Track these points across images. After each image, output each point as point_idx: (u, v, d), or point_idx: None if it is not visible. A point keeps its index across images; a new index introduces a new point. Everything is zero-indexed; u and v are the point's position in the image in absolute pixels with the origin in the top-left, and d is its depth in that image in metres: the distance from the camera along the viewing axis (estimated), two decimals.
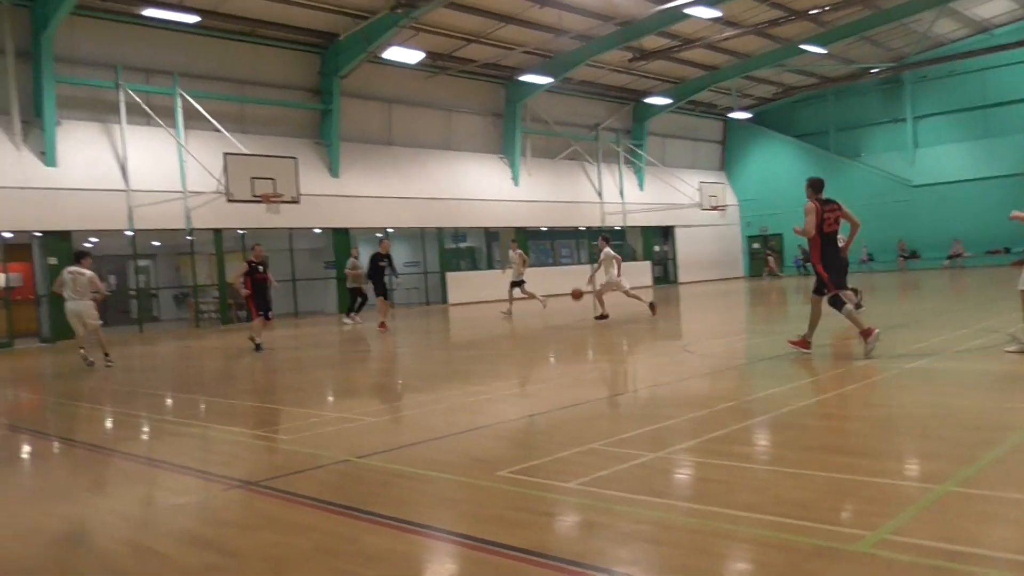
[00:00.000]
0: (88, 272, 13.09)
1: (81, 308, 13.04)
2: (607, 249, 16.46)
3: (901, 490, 4.11)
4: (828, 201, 9.06)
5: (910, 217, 37.03)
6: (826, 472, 4.45)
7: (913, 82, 37.37)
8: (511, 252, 21.30)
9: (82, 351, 13.31)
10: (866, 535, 3.41)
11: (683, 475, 4.74)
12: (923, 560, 3.10)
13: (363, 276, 19.99)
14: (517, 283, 20.71)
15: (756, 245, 42.66)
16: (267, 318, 14.73)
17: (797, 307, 19.36)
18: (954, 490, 3.96)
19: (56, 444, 7.10)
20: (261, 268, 14.67)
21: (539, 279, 32.62)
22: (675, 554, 3.37)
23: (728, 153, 43.46)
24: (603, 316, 16.09)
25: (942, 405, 6.22)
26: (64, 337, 20.92)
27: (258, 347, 14.29)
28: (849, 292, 9.27)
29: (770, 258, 38.54)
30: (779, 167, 41.13)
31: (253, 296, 14.58)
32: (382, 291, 17.99)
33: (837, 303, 8.93)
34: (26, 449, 7.05)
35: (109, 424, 8.16)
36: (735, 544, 3.49)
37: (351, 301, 20.89)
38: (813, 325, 9.22)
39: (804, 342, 9.22)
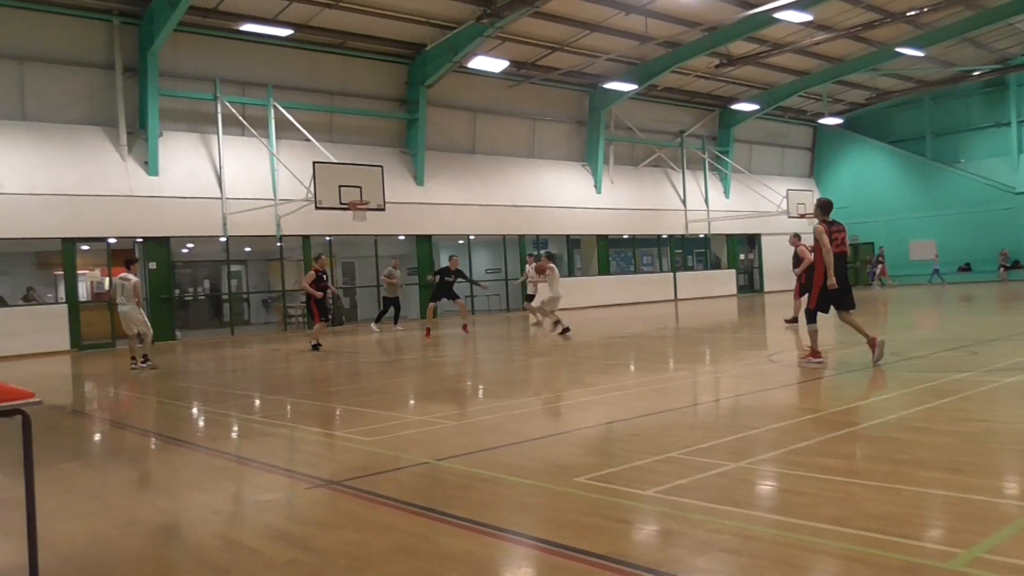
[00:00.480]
0: (133, 278, 13.79)
1: (129, 312, 13.75)
2: (552, 265, 17.39)
3: (997, 508, 3.93)
4: (834, 223, 9.63)
5: (1014, 226, 35.30)
6: (917, 487, 4.29)
7: (1019, 84, 35.64)
8: (528, 267, 21.58)
9: (133, 359, 14.14)
10: (959, 553, 3.28)
11: (765, 486, 4.64)
12: None
13: (398, 285, 21.44)
14: (530, 296, 21.32)
15: (880, 260, 41.36)
16: (327, 321, 16.32)
17: (890, 317, 18.68)
18: None
19: (152, 440, 7.42)
20: (324, 276, 16.21)
21: (619, 287, 32.52)
22: (756, 565, 3.30)
23: (817, 160, 42.28)
24: (565, 329, 16.10)
25: None
26: (161, 339, 21.87)
27: (316, 347, 15.74)
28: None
29: (880, 265, 36.94)
30: (872, 174, 39.80)
31: (317, 302, 15.98)
32: (453, 295, 18.90)
33: (813, 318, 9.70)
34: (124, 444, 7.40)
35: (201, 423, 8.49)
36: (819, 557, 3.39)
37: (383, 309, 22.06)
38: (861, 330, 9.58)
39: (872, 342, 9.38)
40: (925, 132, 38.70)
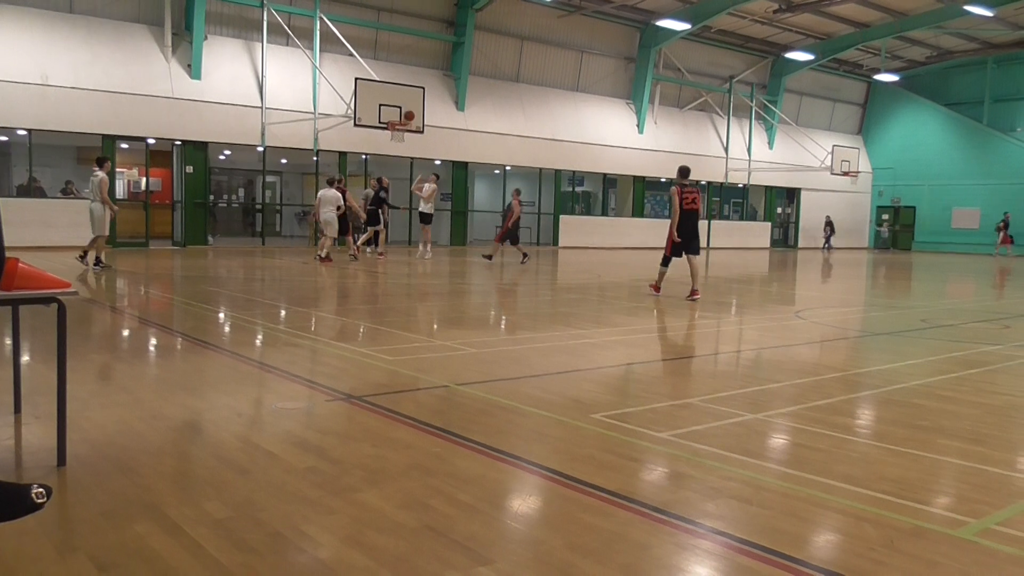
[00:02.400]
0: (101, 174, 14.01)
1: (92, 208, 14.05)
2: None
3: (1014, 482, 3.91)
4: (687, 185, 11.99)
5: None
6: (934, 454, 4.27)
7: None
8: (427, 184, 20.78)
9: (83, 256, 14.46)
10: (970, 522, 3.28)
11: (780, 439, 4.65)
12: None
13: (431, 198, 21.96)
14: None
15: (885, 216, 40.62)
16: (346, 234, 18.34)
17: (925, 284, 18.42)
18: None
19: (180, 340, 7.57)
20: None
21: (653, 231, 32.26)
22: (764, 515, 3.32)
23: (868, 117, 41.19)
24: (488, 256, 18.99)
25: None
26: (194, 243, 22.16)
27: (354, 256, 17.78)
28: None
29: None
30: (923, 136, 38.73)
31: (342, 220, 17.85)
32: (376, 222, 19.97)
33: (666, 262, 12.34)
34: (153, 342, 7.56)
35: (227, 327, 8.63)
36: (828, 513, 3.41)
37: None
38: (694, 276, 12.09)
39: (694, 292, 11.90)
40: (984, 96, 37.42)
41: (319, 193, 18.01)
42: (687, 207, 11.86)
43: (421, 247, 21.04)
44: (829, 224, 36.53)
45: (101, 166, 14.16)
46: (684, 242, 11.93)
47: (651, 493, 3.65)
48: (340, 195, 17.71)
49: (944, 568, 2.83)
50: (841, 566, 2.87)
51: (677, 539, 3.07)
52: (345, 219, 18.01)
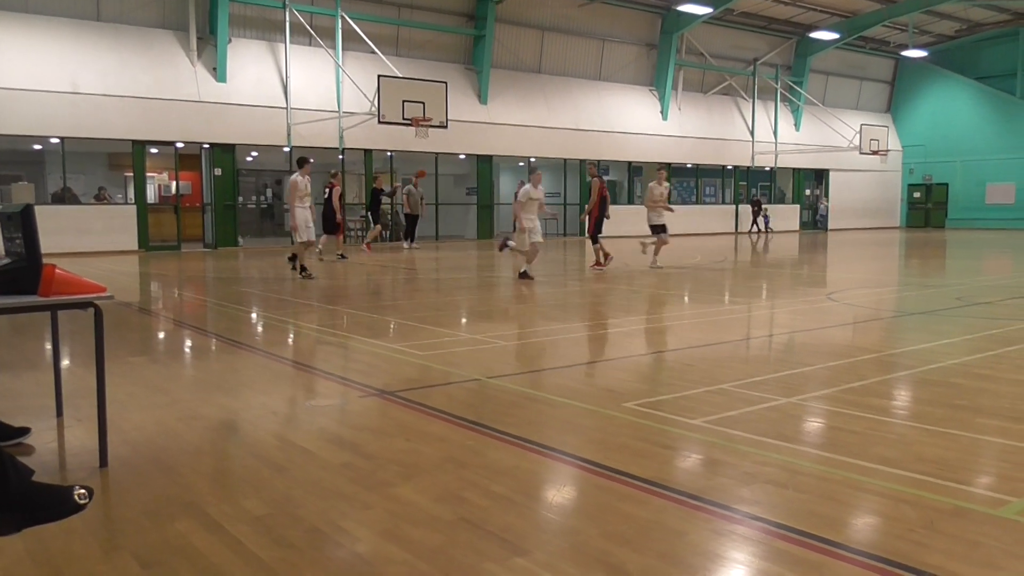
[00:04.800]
0: (293, 176, 13.75)
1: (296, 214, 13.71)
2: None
3: None
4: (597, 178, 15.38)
5: None
6: (973, 433, 4.21)
7: None
8: (411, 187, 21.94)
9: None
10: (1012, 501, 3.23)
11: (815, 422, 4.61)
12: None
13: (419, 203, 22.30)
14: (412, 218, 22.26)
15: (917, 194, 39.99)
16: (334, 232, 17.39)
17: (962, 261, 18.12)
18: None
19: (214, 341, 7.67)
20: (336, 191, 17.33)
21: (680, 218, 31.99)
22: (800, 499, 3.30)
23: (896, 94, 40.50)
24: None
25: None
26: (226, 243, 22.41)
27: (342, 256, 17.07)
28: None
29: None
30: (954, 111, 38.02)
31: (326, 216, 16.95)
32: (378, 219, 20.50)
33: (595, 240, 15.20)
34: (188, 344, 7.66)
35: (261, 327, 8.73)
36: (865, 495, 3.38)
37: (409, 227, 22.72)
38: (657, 249, 15.56)
39: (601, 263, 14.98)
40: (1016, 68, 36.54)
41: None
42: (606, 195, 15.45)
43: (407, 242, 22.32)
44: (756, 203, 33.37)
45: (301, 167, 13.59)
46: (601, 225, 15.25)
47: (686, 480, 3.64)
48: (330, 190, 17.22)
49: (986, 548, 2.80)
50: (881, 548, 2.84)
51: (713, 525, 3.06)
52: (333, 217, 17.17)
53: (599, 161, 27.92)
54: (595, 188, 15.22)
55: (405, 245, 22.17)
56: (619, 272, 14.71)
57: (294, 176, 13.35)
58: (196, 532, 3.02)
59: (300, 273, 13.15)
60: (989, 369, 5.92)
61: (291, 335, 8.05)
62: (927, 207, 39.53)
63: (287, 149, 23.33)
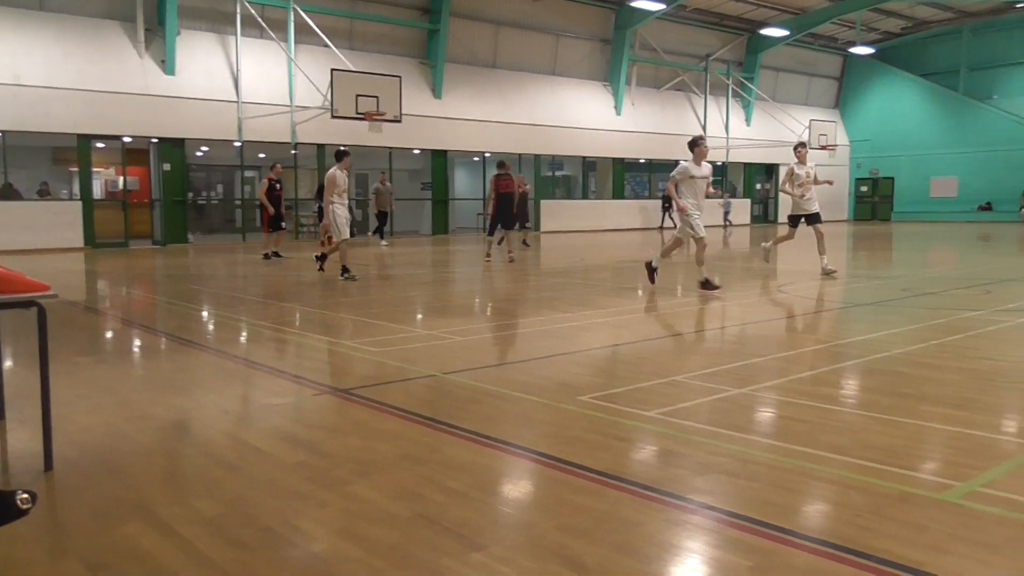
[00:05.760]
0: (331, 171, 12.56)
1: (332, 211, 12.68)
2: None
3: (998, 444, 3.97)
4: (501, 175, 15.29)
5: None
6: (919, 421, 4.32)
7: None
8: (379, 185, 21.78)
9: None
10: (956, 485, 3.32)
11: (766, 412, 4.68)
12: (1014, 515, 3.00)
13: (389, 200, 21.96)
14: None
15: (864, 188, 40.83)
16: (281, 229, 16.62)
17: (906, 253, 18.56)
18: None
19: (164, 340, 7.53)
20: (279, 185, 16.38)
21: (634, 212, 32.31)
22: (753, 488, 3.35)
23: (844, 90, 41.29)
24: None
25: None
26: (175, 240, 22.01)
27: (267, 256, 16.07)
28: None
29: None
30: (900, 107, 38.90)
31: (270, 211, 16.26)
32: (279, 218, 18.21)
33: (493, 232, 15.77)
34: (137, 342, 7.51)
35: (212, 325, 8.59)
36: (816, 483, 3.45)
37: (380, 224, 22.26)
38: (509, 244, 16.14)
39: (489, 255, 15.46)
40: (960, 66, 37.55)
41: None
42: (502, 192, 15.23)
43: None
44: (665, 200, 31.24)
45: (339, 160, 12.41)
46: (502, 218, 15.37)
47: (640, 471, 3.67)
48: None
49: (931, 532, 2.87)
50: (830, 534, 2.90)
51: (667, 515, 3.10)
52: (277, 212, 16.36)
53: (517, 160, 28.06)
54: (491, 186, 15.57)
55: (383, 243, 21.81)
56: (576, 267, 14.77)
57: (332, 171, 12.25)
58: (146, 534, 2.96)
59: (342, 275, 12.04)
60: (933, 358, 6.08)
61: (243, 333, 7.94)
62: (874, 201, 40.44)
63: (238, 144, 22.98)
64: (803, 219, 12.65)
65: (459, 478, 3.53)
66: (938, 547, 2.75)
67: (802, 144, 12.96)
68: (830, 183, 13.19)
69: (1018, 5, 33.50)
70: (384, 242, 21.90)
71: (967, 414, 4.44)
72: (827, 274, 11.98)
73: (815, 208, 12.58)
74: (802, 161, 12.63)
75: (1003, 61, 36.52)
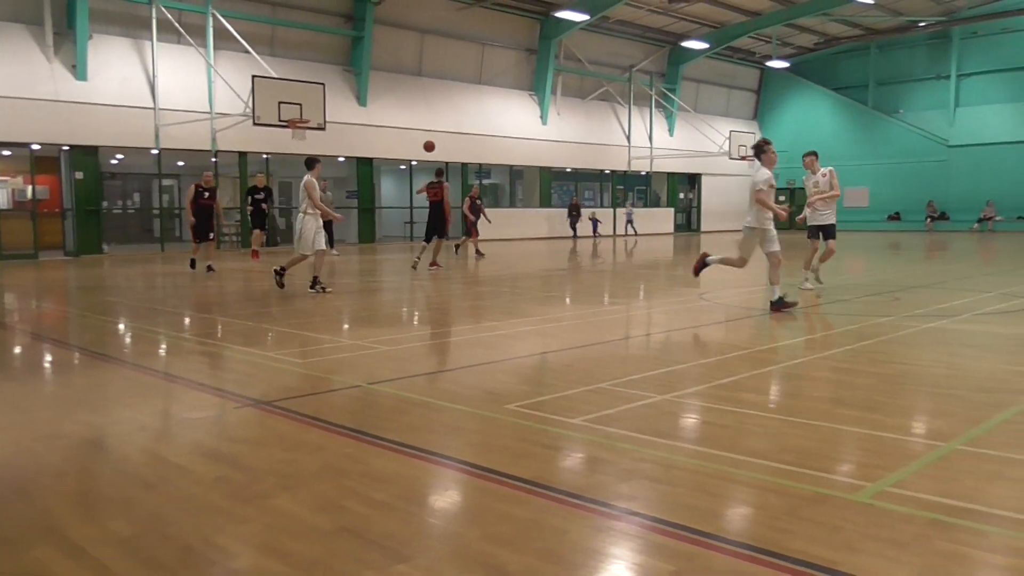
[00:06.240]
0: (306, 177, 11.84)
1: (300, 220, 11.99)
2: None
3: (907, 445, 4.13)
4: (432, 183, 15.80)
5: (944, 178, 36.37)
6: (833, 424, 4.47)
7: (962, 38, 36.21)
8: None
9: None
10: (867, 486, 3.45)
11: (689, 418, 4.78)
12: (921, 513, 3.13)
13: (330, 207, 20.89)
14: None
15: (782, 198, 42.10)
16: (208, 240, 15.78)
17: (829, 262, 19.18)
18: (960, 448, 3.97)
19: (77, 354, 7.25)
20: (207, 194, 15.59)
21: (560, 221, 32.58)
22: (675, 492, 3.42)
23: (762, 103, 42.60)
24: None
25: (956, 365, 6.21)
26: (88, 252, 21.24)
27: (208, 268, 15.30)
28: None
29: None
30: (814, 120, 40.31)
31: (196, 221, 15.54)
32: (260, 225, 18.97)
33: (441, 235, 15.92)
34: (48, 358, 7.22)
35: (128, 338, 8.32)
36: (736, 487, 3.53)
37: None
38: (434, 253, 15.88)
39: (417, 263, 15.71)
40: (868, 81, 39.21)
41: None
42: (431, 200, 15.76)
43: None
44: (574, 208, 31.56)
45: (312, 168, 11.82)
46: (435, 226, 15.80)
47: (566, 479, 3.70)
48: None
49: (844, 532, 2.97)
50: (749, 537, 2.98)
51: (593, 522, 3.13)
52: (208, 222, 15.67)
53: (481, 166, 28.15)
54: (426, 192, 15.94)
55: (335, 252, 20.94)
56: (502, 274, 14.81)
57: (309, 178, 11.63)
58: (56, 558, 2.84)
59: (312, 287, 11.63)
60: (847, 363, 6.30)
61: (162, 345, 7.71)
62: (792, 210, 41.72)
63: (155, 151, 22.34)
64: (820, 231, 11.68)
65: (384, 489, 3.49)
66: (850, 546, 2.85)
67: (811, 153, 11.88)
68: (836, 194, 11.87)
69: (921, 24, 35.15)
70: (335, 251, 21.18)
71: (878, 417, 4.62)
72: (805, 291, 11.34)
73: (831, 220, 11.73)
74: (811, 170, 11.64)
75: (908, 77, 38.24)
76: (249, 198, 19.19)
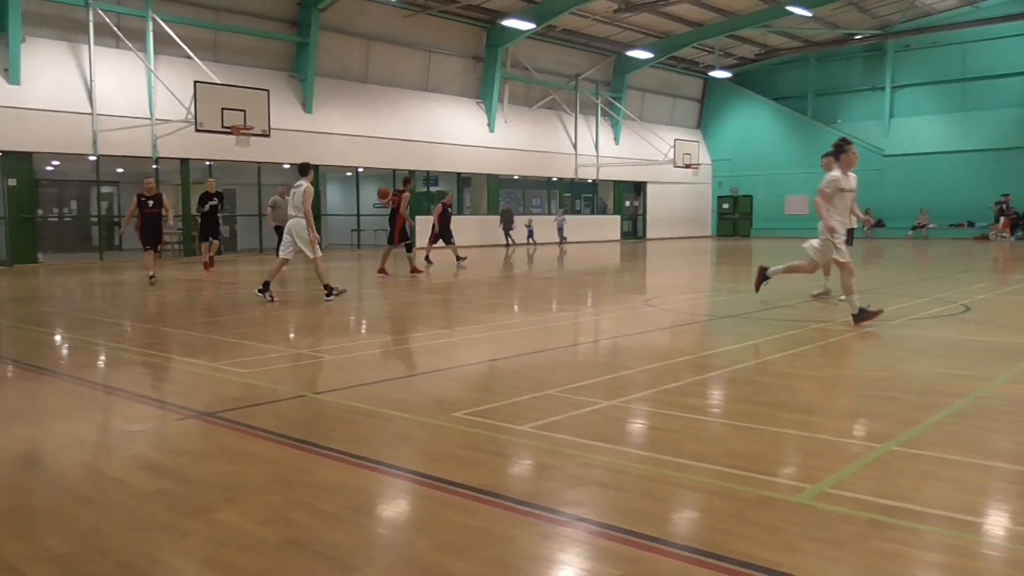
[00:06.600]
0: (303, 184, 11.78)
1: (293, 225, 11.91)
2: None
3: (846, 447, 4.24)
4: (400, 190, 15.90)
5: (880, 186, 37.42)
6: (776, 427, 4.56)
7: (896, 51, 37.38)
8: (277, 197, 20.00)
9: None
10: (808, 488, 3.53)
11: (636, 423, 4.83)
12: (859, 513, 3.21)
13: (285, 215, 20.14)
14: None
15: (726, 205, 42.89)
16: (156, 251, 14.88)
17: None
18: (896, 449, 4.09)
19: (11, 367, 7.03)
20: (151, 203, 14.65)
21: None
22: (622, 497, 3.45)
23: (706, 112, 43.35)
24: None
25: (893, 368, 6.39)
26: (22, 262, 20.61)
27: (152, 279, 14.46)
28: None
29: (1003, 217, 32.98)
30: (756, 129, 41.17)
31: (141, 230, 14.71)
32: (213, 234, 18.22)
33: (391, 242, 16.13)
34: None
35: (66, 350, 8.09)
36: (682, 491, 3.58)
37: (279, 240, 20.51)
38: (383, 259, 16.06)
39: (383, 271, 15.61)
40: (808, 91, 40.21)
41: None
42: (393, 207, 15.90)
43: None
44: (506, 213, 30.98)
45: (307, 175, 11.72)
46: (399, 239, 15.87)
47: (514, 486, 3.71)
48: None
49: (785, 533, 3.04)
50: (694, 540, 3.02)
51: (540, 529, 3.14)
52: (157, 231, 14.94)
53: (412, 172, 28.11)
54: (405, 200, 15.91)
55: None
56: (451, 283, 14.79)
57: (309, 185, 11.59)
58: None
59: (262, 291, 11.46)
60: (788, 367, 6.44)
61: (101, 357, 7.51)
62: (735, 217, 42.50)
63: (93, 158, 21.80)
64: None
65: (331, 500, 3.46)
66: (791, 547, 2.91)
67: (827, 154, 9.95)
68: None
69: (857, 37, 36.20)
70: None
71: (818, 419, 4.73)
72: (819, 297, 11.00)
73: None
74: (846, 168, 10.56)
75: (845, 88, 39.31)
76: (204, 205, 18.12)
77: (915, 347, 7.51)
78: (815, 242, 8.88)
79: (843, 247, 8.52)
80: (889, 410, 5.02)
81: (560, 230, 32.76)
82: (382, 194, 16.93)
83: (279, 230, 20.10)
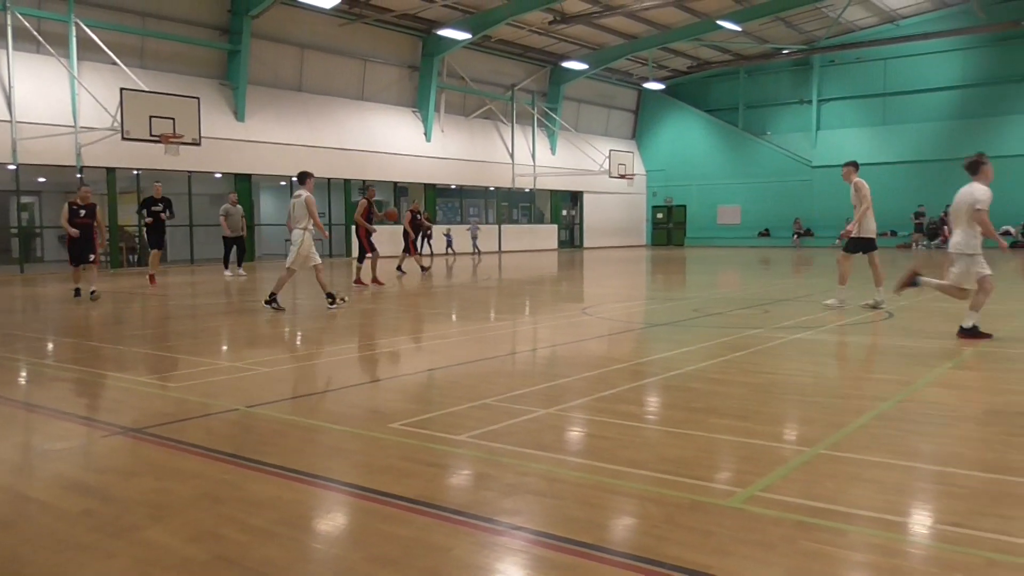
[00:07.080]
0: (305, 193, 11.38)
1: (297, 236, 11.52)
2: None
3: (774, 451, 4.34)
4: (367, 201, 15.91)
5: (809, 196, 38.50)
6: (707, 433, 4.65)
7: (821, 65, 38.56)
8: (228, 205, 19.70)
9: None
10: (738, 491, 3.60)
11: (572, 431, 4.87)
12: (788, 515, 3.29)
13: (240, 223, 19.80)
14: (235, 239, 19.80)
15: (660, 215, 43.58)
16: (89, 262, 13.93)
17: (696, 276, 19.95)
18: (822, 452, 4.21)
19: None
20: (83, 212, 13.83)
21: (443, 237, 32.59)
22: (559, 505, 3.47)
23: (640, 123, 44.03)
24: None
25: (819, 374, 6.57)
26: None
27: (77, 293, 13.82)
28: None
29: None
30: (689, 140, 41.98)
31: (69, 242, 13.95)
32: (157, 243, 17.16)
33: (362, 256, 16.00)
34: None
35: None
36: (617, 497, 3.62)
37: (226, 250, 19.92)
38: (374, 269, 16.09)
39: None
40: (738, 103, 41.21)
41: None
42: (376, 218, 16.21)
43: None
44: (413, 214, 29.07)
45: (305, 183, 11.41)
46: (370, 247, 15.77)
47: (450, 496, 3.70)
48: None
49: (717, 536, 3.09)
50: (628, 546, 3.06)
51: (477, 538, 3.14)
52: (89, 243, 13.92)
53: (365, 181, 27.88)
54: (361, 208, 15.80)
55: (228, 274, 19.32)
56: (388, 292, 14.69)
57: (309, 194, 11.29)
58: None
59: (270, 302, 11.35)
60: (720, 373, 6.56)
61: (21, 373, 7.24)
62: (669, 227, 43.23)
63: (13, 167, 21.03)
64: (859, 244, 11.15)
65: (263, 515, 3.40)
66: (722, 550, 2.97)
67: (848, 164, 11.36)
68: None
69: (784, 51, 37.26)
70: (229, 274, 19.28)
71: (749, 424, 4.84)
72: (872, 306, 10.74)
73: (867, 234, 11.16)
74: (848, 181, 11.13)
75: (774, 101, 40.39)
76: (144, 211, 16.99)
77: (841, 353, 7.74)
78: (955, 269, 8.19)
79: (984, 262, 8.02)
80: (816, 415, 5.16)
81: (474, 239, 32.05)
82: (390, 215, 17.62)
83: (228, 241, 19.62)
